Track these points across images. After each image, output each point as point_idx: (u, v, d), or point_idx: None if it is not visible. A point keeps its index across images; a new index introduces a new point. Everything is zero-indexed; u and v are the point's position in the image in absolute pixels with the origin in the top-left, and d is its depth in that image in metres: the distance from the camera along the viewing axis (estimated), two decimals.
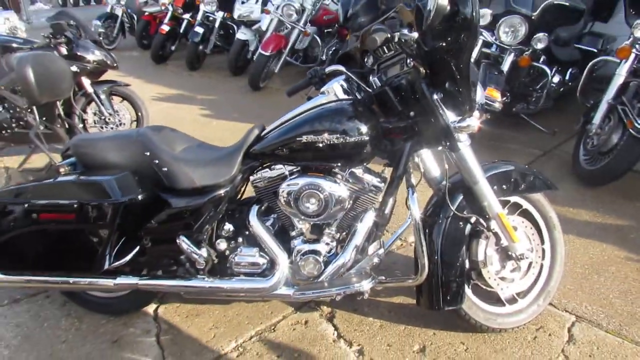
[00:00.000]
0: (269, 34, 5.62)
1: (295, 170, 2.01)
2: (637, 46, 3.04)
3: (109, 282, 2.06)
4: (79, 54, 3.80)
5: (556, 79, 4.09)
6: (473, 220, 1.98)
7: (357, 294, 2.03)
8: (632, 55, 3.07)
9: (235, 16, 6.20)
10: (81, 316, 2.37)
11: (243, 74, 6.51)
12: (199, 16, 6.59)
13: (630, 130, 2.90)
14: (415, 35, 1.60)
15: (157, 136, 2.08)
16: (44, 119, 3.87)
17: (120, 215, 1.91)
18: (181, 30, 7.15)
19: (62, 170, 2.02)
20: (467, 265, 2.00)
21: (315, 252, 2.01)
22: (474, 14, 1.57)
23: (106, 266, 2.01)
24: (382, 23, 1.91)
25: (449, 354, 2.04)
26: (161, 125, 2.21)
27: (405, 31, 1.68)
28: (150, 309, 2.40)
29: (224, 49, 6.90)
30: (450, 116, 1.84)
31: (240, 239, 2.12)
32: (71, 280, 2.07)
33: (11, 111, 3.83)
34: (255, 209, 2.08)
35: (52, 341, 2.23)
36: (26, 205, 1.90)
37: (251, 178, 2.07)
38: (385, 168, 2.05)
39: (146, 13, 7.94)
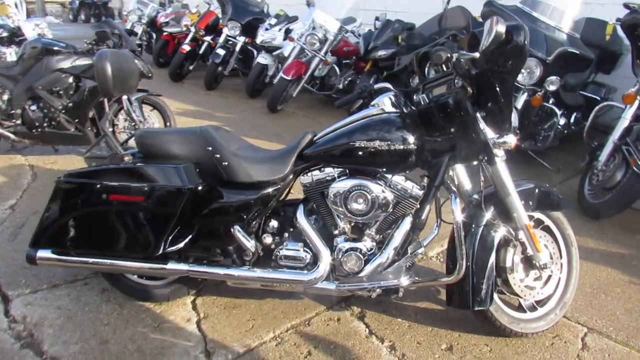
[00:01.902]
0: (290, 59, 5.90)
1: (342, 172, 2.21)
2: None
3: (161, 266, 2.21)
4: None
5: (562, 120, 4.38)
6: (503, 229, 2.18)
7: (393, 291, 2.21)
8: (637, 101, 3.36)
9: (258, 41, 6.50)
10: (122, 302, 2.49)
11: (259, 96, 6.76)
12: (221, 39, 6.88)
13: (634, 168, 3.16)
14: (477, 54, 1.83)
15: (217, 134, 2.27)
16: (76, 120, 4.06)
17: (185, 201, 2.08)
18: (200, 51, 7.42)
19: (127, 158, 2.20)
20: (495, 270, 2.19)
21: (357, 250, 2.19)
22: (525, 42, 1.82)
23: (160, 251, 2.16)
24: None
25: (475, 353, 2.20)
26: (217, 126, 2.40)
27: (464, 51, 1.90)
28: (188, 299, 2.53)
29: (241, 72, 7.18)
30: (489, 133, 2.07)
31: (285, 235, 2.29)
32: (124, 263, 2.22)
33: (45, 111, 4.02)
34: (302, 207, 2.26)
35: (94, 323, 2.35)
36: (98, 185, 2.07)
37: (301, 178, 2.26)
38: (425, 178, 2.25)
39: (166, 33, 8.24)
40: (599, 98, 4.64)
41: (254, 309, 2.47)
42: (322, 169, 2.23)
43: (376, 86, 2.41)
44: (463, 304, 2.15)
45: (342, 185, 2.15)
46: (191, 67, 7.69)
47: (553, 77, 3.82)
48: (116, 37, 4.12)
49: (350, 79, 6.25)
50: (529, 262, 2.24)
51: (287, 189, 2.32)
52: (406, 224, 2.19)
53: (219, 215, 2.21)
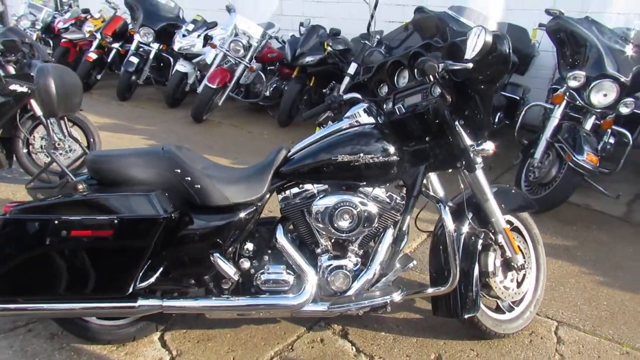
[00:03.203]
0: (214, 67, 5.66)
1: (322, 189, 2.12)
2: (568, 94, 3.59)
3: (131, 305, 1.97)
4: (31, 74, 3.59)
5: None
6: (483, 234, 2.21)
7: (380, 307, 2.15)
8: (564, 102, 3.61)
9: (176, 48, 6.15)
10: (78, 349, 2.21)
11: (179, 106, 6.42)
12: (133, 46, 6.43)
13: (570, 163, 3.39)
14: (470, 65, 1.82)
15: (181, 153, 2.07)
16: None
17: (160, 232, 1.87)
18: (108, 60, 6.90)
19: (80, 187, 1.93)
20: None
21: (343, 267, 2.11)
22: (509, 51, 1.84)
23: (132, 288, 1.93)
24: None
25: (464, 359, 2.21)
26: (178, 144, 2.20)
27: (450, 61, 1.88)
28: (155, 336, 2.30)
29: (156, 80, 6.77)
30: (467, 141, 2.08)
31: (265, 257, 2.15)
32: (87, 305, 1.95)
33: None
34: (281, 227, 2.13)
35: None
36: (56, 221, 1.79)
37: (279, 196, 2.14)
38: (402, 188, 2.22)
39: (65, 39, 7.56)
40: (517, 97, 4.95)
41: (231, 339, 2.30)
42: (301, 185, 2.12)
43: (345, 97, 2.34)
44: (452, 312, 2.15)
45: (326, 202, 2.05)
46: (99, 77, 7.13)
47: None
48: (27, 46, 3.68)
49: (275, 85, 6.13)
50: (506, 264, 2.29)
51: (262, 210, 2.17)
52: (388, 236, 2.14)
53: (193, 243, 2.01)
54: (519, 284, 2.35)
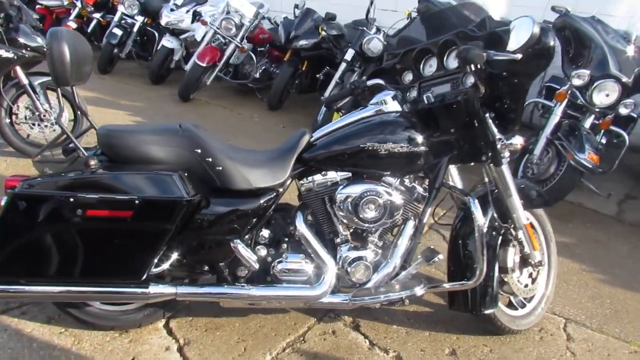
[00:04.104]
0: (203, 44, 5.45)
1: (345, 177, 2.04)
2: (570, 92, 3.60)
3: (142, 290, 1.85)
4: (18, 39, 3.36)
5: None
6: (503, 230, 2.18)
7: (397, 300, 2.09)
8: (567, 99, 3.62)
9: (163, 23, 5.90)
10: (79, 334, 2.08)
11: (163, 83, 6.18)
12: (116, 17, 6.14)
13: (571, 161, 3.41)
14: (519, 56, 1.75)
15: (200, 132, 1.95)
16: None
17: (182, 215, 1.75)
18: (88, 30, 6.58)
19: (92, 163, 1.79)
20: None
21: (364, 259, 2.04)
22: (554, 44, 1.79)
23: (146, 274, 1.82)
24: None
25: (478, 355, 2.18)
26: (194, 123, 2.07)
27: (496, 52, 1.81)
28: (160, 324, 2.19)
29: (138, 55, 6.50)
30: (497, 134, 2.03)
31: (284, 246, 2.06)
32: (96, 289, 1.83)
33: None
34: (301, 215, 2.05)
35: None
36: (72, 199, 1.65)
37: (299, 183, 2.05)
38: (424, 180, 2.16)
39: (40, 6, 7.16)
40: None
41: (240, 329, 2.21)
42: (324, 172, 2.04)
43: (369, 83, 2.26)
44: (471, 307, 2.11)
45: (351, 190, 1.98)
46: None
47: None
48: (14, 9, 3.43)
49: (264, 67, 5.98)
50: (523, 261, 2.27)
51: (282, 196, 2.08)
52: (409, 228, 2.09)
53: (211, 228, 1.90)
54: (534, 281, 2.34)
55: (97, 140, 1.93)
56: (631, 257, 3.17)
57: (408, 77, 2.27)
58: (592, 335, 2.40)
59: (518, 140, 2.06)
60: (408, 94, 2.22)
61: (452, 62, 2.09)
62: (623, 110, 3.55)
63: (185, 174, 1.83)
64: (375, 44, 4.63)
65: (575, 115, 3.73)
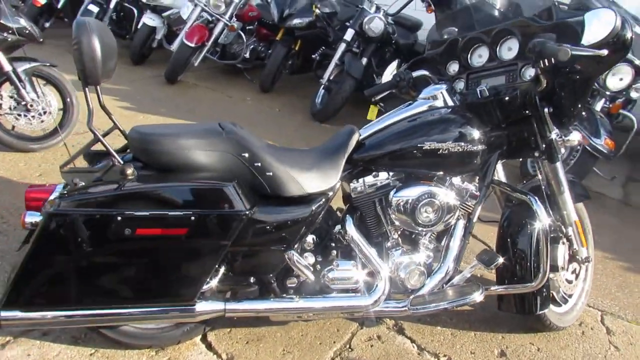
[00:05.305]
0: (190, 23, 5.14)
1: (397, 178, 1.92)
2: None
3: (190, 309, 1.70)
4: (1, 21, 3.05)
5: None
6: (554, 227, 2.11)
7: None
8: None
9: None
10: (110, 354, 1.91)
11: (144, 63, 5.84)
12: None
13: (587, 146, 3.38)
14: (605, 52, 1.64)
15: (245, 133, 1.78)
16: None
17: (240, 230, 1.60)
18: (59, 6, 6.11)
19: (129, 171, 1.59)
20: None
21: (418, 264, 1.94)
22: (631, 38, 1.69)
23: (198, 294, 1.66)
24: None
25: (527, 355, 2.14)
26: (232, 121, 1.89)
27: (581, 48, 1.67)
28: (197, 338, 2.04)
29: (116, 33, 6.08)
30: (554, 130, 1.95)
31: (333, 252, 1.93)
32: (138, 311, 1.66)
33: None
34: (350, 219, 1.92)
35: None
36: (119, 217, 1.46)
37: (351, 185, 1.91)
38: (475, 177, 2.06)
39: None
40: None
41: (283, 339, 2.09)
42: (375, 174, 1.91)
43: (415, 74, 2.12)
44: (525, 308, 2.05)
45: (408, 193, 1.86)
46: (47, 24, 6.31)
47: None
48: None
49: (252, 47, 5.72)
50: (571, 257, 2.22)
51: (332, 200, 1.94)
52: (459, 229, 2.00)
53: (262, 239, 1.75)
54: (577, 276, 2.30)
55: (129, 144, 1.74)
56: None
57: (453, 67, 2.13)
58: (630, 328, 2.39)
59: (576, 137, 1.99)
60: (454, 86, 2.10)
61: (506, 53, 1.97)
62: (634, 94, 3.54)
63: (238, 183, 1.66)
64: (376, 24, 4.45)
65: None
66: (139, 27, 5.64)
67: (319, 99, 4.77)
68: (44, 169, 3.26)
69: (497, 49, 1.98)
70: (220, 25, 5.19)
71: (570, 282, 2.25)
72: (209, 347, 2.01)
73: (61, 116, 3.50)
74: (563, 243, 2.16)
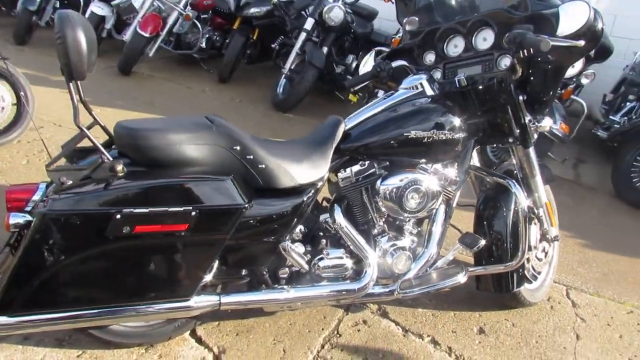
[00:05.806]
0: (143, 12, 4.96)
1: (383, 166, 1.97)
2: None
3: (185, 304, 1.68)
4: None
5: None
6: (528, 208, 2.23)
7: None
8: None
9: None
10: (99, 355, 1.87)
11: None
12: None
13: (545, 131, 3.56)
14: (582, 43, 1.73)
15: (232, 126, 1.77)
16: None
17: (239, 223, 1.59)
18: None
19: (119, 168, 1.55)
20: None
21: (404, 249, 2.00)
22: (602, 29, 1.79)
23: (197, 289, 1.65)
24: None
25: (504, 330, 2.26)
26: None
27: (560, 39, 1.75)
28: (186, 333, 2.01)
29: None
30: (528, 117, 2.05)
31: (323, 242, 1.96)
32: (134, 308, 1.62)
33: None
34: (339, 208, 1.95)
35: None
36: (118, 215, 1.42)
37: (339, 175, 1.94)
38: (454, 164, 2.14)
39: None
40: None
41: (272, 328, 2.10)
42: (362, 163, 1.94)
43: (394, 64, 2.16)
44: (503, 287, 2.16)
45: (395, 181, 1.91)
46: None
47: None
48: None
49: (207, 36, 5.60)
50: (542, 236, 2.35)
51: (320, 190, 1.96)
52: (441, 214, 2.08)
53: (255, 231, 1.75)
54: (546, 254, 2.44)
55: (115, 140, 1.69)
56: (601, 221, 3.42)
57: (429, 57, 2.19)
58: (593, 300, 2.57)
59: (548, 123, 2.09)
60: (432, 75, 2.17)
61: (481, 43, 2.04)
62: (584, 80, 3.75)
63: (234, 177, 1.65)
64: (336, 13, 4.48)
65: None
66: (86, 15, 5.39)
67: (280, 89, 4.75)
68: (1, 167, 3.09)
69: (473, 39, 2.05)
70: (174, 14, 5.06)
71: (540, 259, 2.38)
72: (199, 341, 2.00)
73: (16, 112, 3.31)
74: (535, 223, 2.29)
